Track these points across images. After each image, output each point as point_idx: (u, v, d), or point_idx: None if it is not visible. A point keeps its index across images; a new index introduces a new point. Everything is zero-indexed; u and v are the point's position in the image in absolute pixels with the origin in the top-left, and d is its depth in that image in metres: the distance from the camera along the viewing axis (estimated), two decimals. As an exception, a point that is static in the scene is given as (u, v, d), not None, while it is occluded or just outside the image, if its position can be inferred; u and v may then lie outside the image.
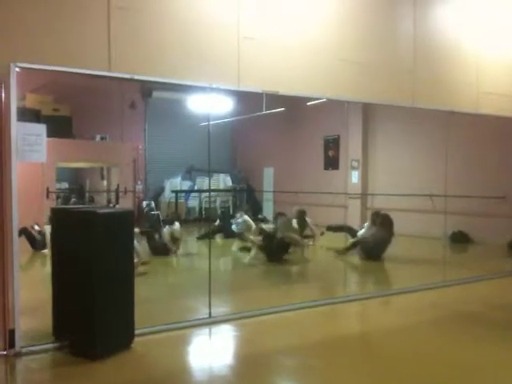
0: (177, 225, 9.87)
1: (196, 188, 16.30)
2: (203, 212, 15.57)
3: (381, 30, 6.21)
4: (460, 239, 11.11)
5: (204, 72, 4.92)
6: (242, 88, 5.19)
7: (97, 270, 4.13)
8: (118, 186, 14.22)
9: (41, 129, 4.20)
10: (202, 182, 15.84)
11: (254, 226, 11.98)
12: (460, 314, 5.71)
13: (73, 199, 14.74)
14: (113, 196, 14.43)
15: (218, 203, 16.27)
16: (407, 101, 6.45)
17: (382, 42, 6.23)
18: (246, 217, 12.39)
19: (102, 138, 15.06)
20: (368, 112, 13.54)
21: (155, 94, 14.38)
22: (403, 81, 6.36)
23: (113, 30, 4.37)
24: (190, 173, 16.17)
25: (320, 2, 5.70)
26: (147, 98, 14.80)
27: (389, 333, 5.08)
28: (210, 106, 6.34)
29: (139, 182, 14.88)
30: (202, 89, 5.17)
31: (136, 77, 4.58)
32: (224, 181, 16.96)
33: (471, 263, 9.45)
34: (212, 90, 5.12)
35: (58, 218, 4.45)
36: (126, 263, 4.35)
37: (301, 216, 10.75)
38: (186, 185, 16.39)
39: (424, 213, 11.37)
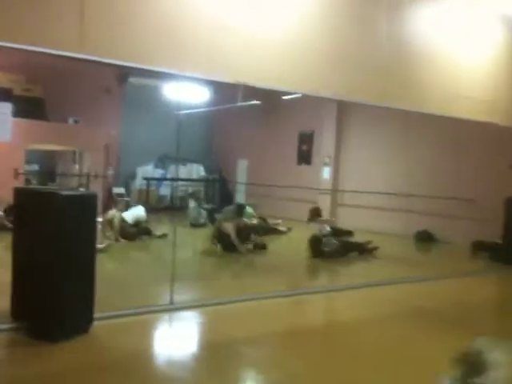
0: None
1: (168, 176, 16.22)
2: (177, 201, 15.53)
3: (356, 27, 6.25)
4: (425, 238, 11.35)
5: (176, 59, 4.89)
6: (214, 77, 5.20)
7: (57, 252, 4.10)
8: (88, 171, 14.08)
9: (6, 107, 4.13)
10: (175, 171, 15.78)
11: (204, 214, 12.08)
12: (415, 309, 5.85)
13: (33, 181, 14.52)
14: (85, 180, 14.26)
15: (189, 193, 16.23)
16: (379, 100, 6.53)
17: (357, 41, 6.27)
18: (193, 204, 12.49)
19: (75, 122, 14.86)
20: (343, 109, 13.66)
21: (131, 79, 14.23)
22: (376, 80, 6.43)
23: (86, 11, 4.31)
24: (162, 161, 16.08)
25: (297, -3, 5.72)
26: (123, 84, 14.63)
27: (348, 325, 5.20)
28: (183, 94, 6.33)
29: (110, 168, 14.74)
30: (176, 76, 5.16)
31: (107, 60, 4.54)
32: (197, 170, 16.91)
33: (433, 262, 9.66)
34: (185, 77, 5.11)
35: (21, 198, 4.40)
36: (87, 246, 4.33)
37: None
38: (159, 173, 16.29)
39: (391, 211, 11.58)
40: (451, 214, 10.88)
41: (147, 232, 9.86)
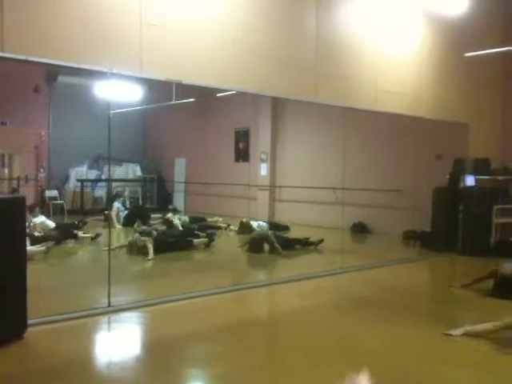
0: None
1: (104, 177, 15.85)
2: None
3: (285, 25, 6.38)
4: (359, 229, 11.72)
5: (105, 56, 4.81)
6: (145, 75, 5.14)
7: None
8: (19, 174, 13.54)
9: None
10: (111, 172, 15.44)
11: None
12: (354, 297, 6.05)
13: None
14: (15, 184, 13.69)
15: (126, 193, 15.94)
16: (310, 95, 6.69)
17: (286, 37, 6.40)
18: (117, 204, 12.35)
19: (1, 123, 14.22)
20: (277, 106, 13.84)
21: (61, 78, 13.76)
22: (306, 76, 6.58)
23: (5, 7, 4.16)
24: (97, 161, 15.70)
25: (226, -6, 5.76)
26: (52, 83, 14.13)
27: (289, 315, 5.30)
28: (114, 92, 6.22)
29: (42, 170, 14.24)
30: (105, 74, 5.06)
31: (32, 58, 4.40)
32: (133, 170, 16.63)
33: (369, 252, 10.00)
34: (114, 75, 5.02)
35: None
36: (17, 250, 4.19)
37: None
38: (93, 174, 15.89)
39: (327, 204, 11.86)
40: (383, 205, 11.29)
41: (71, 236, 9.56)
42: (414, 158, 10.72)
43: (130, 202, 15.26)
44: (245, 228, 10.61)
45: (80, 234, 9.68)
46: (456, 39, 8.74)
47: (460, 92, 8.94)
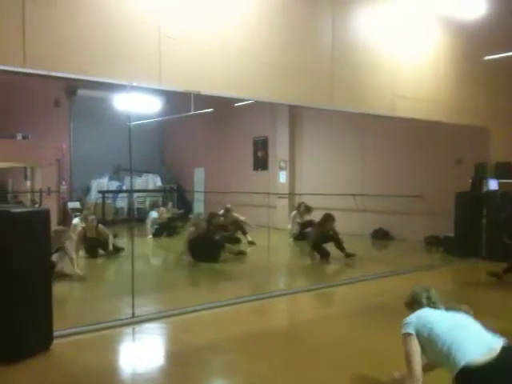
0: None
1: (125, 188, 16.02)
2: (135, 212, 15.35)
3: (300, 33, 6.39)
4: (381, 236, 11.62)
5: (125, 70, 4.89)
6: (164, 87, 5.21)
7: (10, 271, 4.01)
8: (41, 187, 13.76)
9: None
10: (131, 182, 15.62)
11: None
12: (375, 305, 5.99)
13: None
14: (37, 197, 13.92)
15: (147, 204, 16.08)
16: (327, 103, 6.69)
17: (302, 45, 6.41)
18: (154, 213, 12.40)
19: (23, 137, 14.49)
20: (295, 114, 13.85)
21: (80, 92, 14.01)
22: (322, 83, 6.58)
23: (27, 24, 4.26)
24: (117, 173, 15.88)
25: (241, 5, 5.80)
26: (72, 96, 14.38)
27: (310, 324, 5.28)
28: (134, 105, 6.31)
29: (64, 183, 14.45)
30: (124, 87, 5.14)
31: (53, 73, 4.49)
32: (153, 181, 16.78)
33: (390, 259, 9.90)
34: (133, 88, 5.10)
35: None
36: (42, 263, 4.25)
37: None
38: (114, 185, 16.07)
39: (348, 211, 11.79)
40: (404, 211, 11.19)
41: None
42: (433, 162, 10.62)
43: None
44: None
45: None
46: (474, 43, 8.67)
47: (478, 96, 8.85)
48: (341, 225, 12.06)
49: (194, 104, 10.17)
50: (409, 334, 3.01)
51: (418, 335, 2.99)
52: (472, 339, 2.84)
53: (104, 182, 15.88)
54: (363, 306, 5.97)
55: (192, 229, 8.88)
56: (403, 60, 7.65)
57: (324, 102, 6.62)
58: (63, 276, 7.03)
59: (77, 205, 14.13)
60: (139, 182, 16.25)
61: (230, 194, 14.46)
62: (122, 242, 9.79)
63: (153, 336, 5.06)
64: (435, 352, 2.90)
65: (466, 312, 3.10)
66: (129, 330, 5.11)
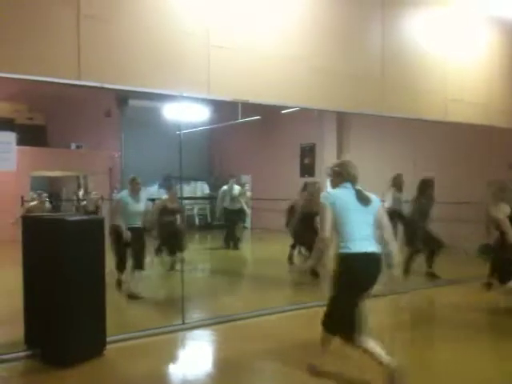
0: None
1: (173, 196, 16.24)
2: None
3: (350, 39, 6.34)
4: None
5: (175, 80, 4.97)
6: (213, 96, 5.26)
7: (67, 278, 4.14)
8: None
9: (10, 137, 4.21)
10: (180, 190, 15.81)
11: None
12: (428, 316, 5.84)
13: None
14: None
15: (195, 211, 16.28)
16: (377, 110, 6.59)
17: (352, 52, 6.35)
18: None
19: (77, 147, 14.99)
20: (343, 120, 13.72)
21: (131, 102, 14.35)
22: (373, 90, 6.49)
23: (82, 38, 4.40)
24: (167, 181, 16.14)
25: (290, 12, 5.79)
26: (123, 106, 14.75)
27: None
28: (183, 114, 6.40)
29: (115, 191, 14.81)
30: (174, 97, 5.23)
31: (106, 85, 4.62)
32: (201, 188, 16.98)
33: (442, 268, 9.58)
34: (183, 98, 5.18)
35: (29, 226, 4.45)
36: (97, 270, 4.36)
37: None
38: (163, 193, 16.33)
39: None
40: (453, 218, 10.84)
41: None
42: (484, 167, 10.26)
43: (200, 220, 15.58)
44: None
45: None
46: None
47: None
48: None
49: (241, 112, 10.23)
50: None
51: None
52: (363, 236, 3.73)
53: (153, 190, 16.17)
54: (419, 316, 5.81)
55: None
56: (455, 63, 7.45)
57: (374, 107, 6.52)
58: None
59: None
60: (187, 190, 16.47)
61: (277, 201, 14.44)
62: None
63: (202, 343, 5.10)
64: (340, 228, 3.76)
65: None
66: (179, 336, 5.16)
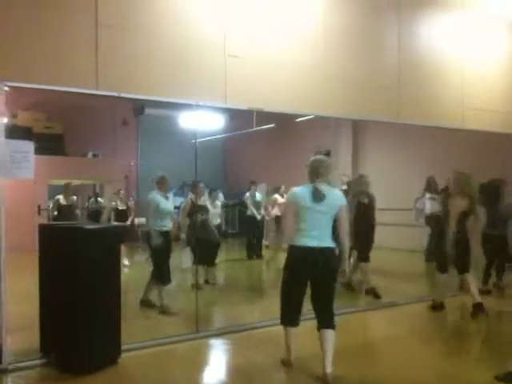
0: None
1: (188, 204, 16.29)
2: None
3: (366, 47, 6.33)
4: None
5: (191, 89, 5.01)
6: (229, 105, 5.28)
7: (83, 286, 4.16)
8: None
9: (28, 146, 4.26)
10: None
11: None
12: (448, 325, 5.76)
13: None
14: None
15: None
16: (393, 117, 6.56)
17: (368, 59, 6.34)
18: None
19: (94, 155, 15.13)
20: (358, 128, 13.68)
21: (147, 110, 14.49)
22: (389, 97, 6.47)
23: (100, 48, 4.46)
24: (182, 189, 16.21)
25: (306, 21, 5.82)
26: (139, 115, 14.89)
27: (377, 343, 5.16)
28: (198, 122, 6.42)
29: (131, 199, 14.89)
30: (190, 106, 5.26)
31: (123, 94, 4.67)
32: (216, 197, 16.97)
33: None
34: (199, 107, 5.21)
35: (46, 234, 4.49)
36: (114, 278, 4.38)
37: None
38: (179, 201, 16.38)
39: (407, 226, 11.44)
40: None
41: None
42: (503, 175, 10.13)
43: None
44: None
45: None
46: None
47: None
48: (399, 240, 11.71)
49: (255, 120, 10.23)
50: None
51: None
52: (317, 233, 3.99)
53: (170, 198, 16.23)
54: (439, 325, 5.73)
55: None
56: (473, 71, 7.39)
57: (390, 115, 6.49)
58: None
59: (143, 221, 14.44)
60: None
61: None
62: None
63: (216, 351, 5.08)
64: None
65: None
66: (193, 344, 5.14)
